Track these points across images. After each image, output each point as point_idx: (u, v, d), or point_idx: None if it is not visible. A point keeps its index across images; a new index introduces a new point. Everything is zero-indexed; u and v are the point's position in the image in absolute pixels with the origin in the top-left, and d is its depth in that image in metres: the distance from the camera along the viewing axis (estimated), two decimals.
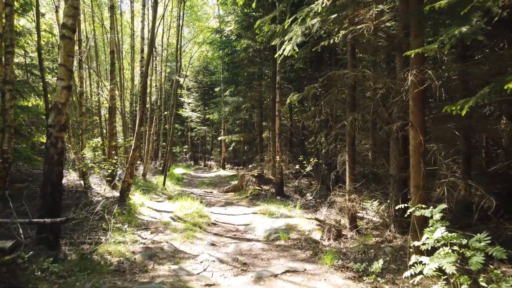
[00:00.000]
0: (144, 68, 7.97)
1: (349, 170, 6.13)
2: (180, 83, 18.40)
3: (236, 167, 21.02)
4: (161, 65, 17.90)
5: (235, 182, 14.01)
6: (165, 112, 21.80)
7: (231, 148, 23.25)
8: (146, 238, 5.74)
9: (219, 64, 20.61)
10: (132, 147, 7.70)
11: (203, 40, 19.49)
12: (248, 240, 5.98)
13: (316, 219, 6.39)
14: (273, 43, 6.34)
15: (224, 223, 7.33)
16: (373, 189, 6.31)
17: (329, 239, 5.63)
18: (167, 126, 19.95)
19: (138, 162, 19.11)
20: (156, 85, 17.98)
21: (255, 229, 6.57)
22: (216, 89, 22.29)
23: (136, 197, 9.04)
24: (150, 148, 14.20)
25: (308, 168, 8.22)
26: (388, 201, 5.52)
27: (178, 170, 19.29)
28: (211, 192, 12.40)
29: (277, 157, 9.79)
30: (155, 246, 5.36)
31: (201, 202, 9.73)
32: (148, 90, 16.16)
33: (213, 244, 5.62)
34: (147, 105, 16.42)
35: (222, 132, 20.97)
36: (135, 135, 7.78)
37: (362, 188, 6.38)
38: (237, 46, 12.91)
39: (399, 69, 5.29)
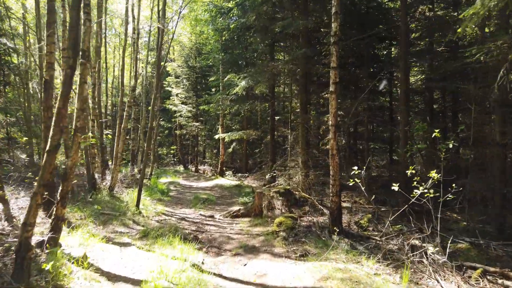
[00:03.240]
0: None
1: None
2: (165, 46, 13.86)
3: (239, 174, 16.63)
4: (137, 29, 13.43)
5: (245, 200, 9.71)
6: (149, 108, 17.43)
7: (230, 149, 18.88)
8: None
9: (217, 43, 16.25)
10: (47, 147, 3.34)
11: None
12: None
13: None
14: None
15: None
16: None
17: None
18: (151, 123, 15.48)
19: (109, 168, 14.46)
20: (131, 65, 13.51)
21: None
22: (211, 78, 17.91)
23: (75, 241, 4.69)
24: (120, 149, 9.73)
25: (430, 184, 4.04)
26: None
27: (164, 179, 14.84)
28: (211, 217, 8.07)
29: (333, 164, 5.53)
30: None
31: (199, 245, 5.42)
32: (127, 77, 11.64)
33: None
34: (125, 99, 11.83)
35: (220, 129, 16.54)
36: (55, 115, 3.42)
37: None
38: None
39: None
